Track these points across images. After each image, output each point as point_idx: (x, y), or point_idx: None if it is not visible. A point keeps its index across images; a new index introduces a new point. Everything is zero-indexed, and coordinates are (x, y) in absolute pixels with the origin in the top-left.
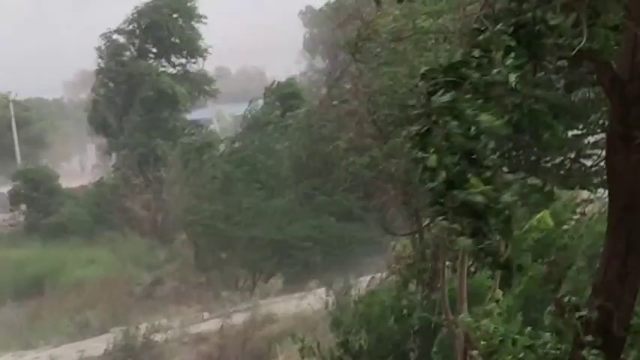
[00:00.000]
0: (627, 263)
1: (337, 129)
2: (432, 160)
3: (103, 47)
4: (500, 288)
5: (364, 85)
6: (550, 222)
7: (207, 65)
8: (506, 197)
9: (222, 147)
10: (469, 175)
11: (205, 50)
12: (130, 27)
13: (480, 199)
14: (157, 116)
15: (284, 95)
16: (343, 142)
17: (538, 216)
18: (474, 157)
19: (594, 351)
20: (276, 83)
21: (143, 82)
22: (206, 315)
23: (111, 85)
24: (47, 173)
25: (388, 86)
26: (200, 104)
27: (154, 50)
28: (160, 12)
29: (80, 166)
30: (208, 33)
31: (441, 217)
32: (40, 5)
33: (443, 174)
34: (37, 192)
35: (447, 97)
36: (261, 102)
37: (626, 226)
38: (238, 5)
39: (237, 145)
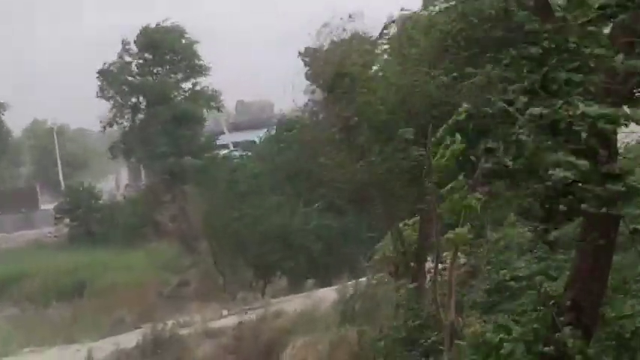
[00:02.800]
0: (597, 263)
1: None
2: None
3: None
4: None
5: (338, 113)
6: None
7: (228, 99)
8: None
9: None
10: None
11: (207, 69)
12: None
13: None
14: (179, 135)
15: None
16: (325, 159)
17: None
18: None
19: (569, 331)
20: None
21: (164, 104)
22: (225, 312)
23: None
24: (89, 190)
25: (361, 112)
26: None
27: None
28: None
29: (116, 185)
30: (230, 74)
31: None
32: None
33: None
34: (79, 208)
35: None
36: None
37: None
38: (257, 52)
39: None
